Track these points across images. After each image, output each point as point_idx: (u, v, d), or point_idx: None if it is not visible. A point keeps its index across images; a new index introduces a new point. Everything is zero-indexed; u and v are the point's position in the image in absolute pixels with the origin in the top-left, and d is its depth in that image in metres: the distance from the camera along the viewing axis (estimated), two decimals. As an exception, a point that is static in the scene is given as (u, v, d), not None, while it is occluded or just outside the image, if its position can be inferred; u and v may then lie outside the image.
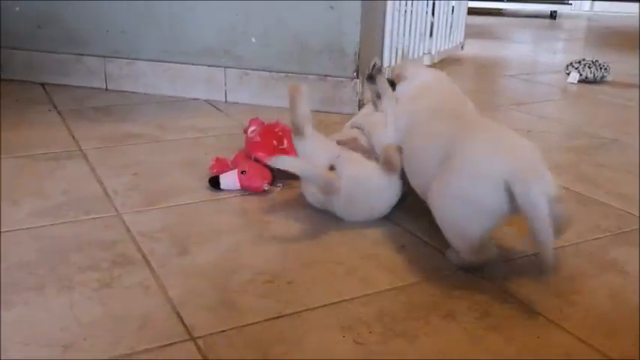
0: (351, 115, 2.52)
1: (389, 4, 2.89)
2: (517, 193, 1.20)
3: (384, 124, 1.60)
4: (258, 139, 1.83)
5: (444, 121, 1.44)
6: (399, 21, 3.04)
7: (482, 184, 1.26)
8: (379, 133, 1.60)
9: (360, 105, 2.52)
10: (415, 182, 1.49)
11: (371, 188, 1.54)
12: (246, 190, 1.72)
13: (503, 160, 1.26)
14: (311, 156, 1.59)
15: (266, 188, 1.72)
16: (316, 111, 2.56)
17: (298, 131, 1.60)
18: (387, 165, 1.52)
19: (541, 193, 1.19)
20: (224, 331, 1.11)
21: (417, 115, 1.52)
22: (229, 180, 1.73)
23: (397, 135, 1.56)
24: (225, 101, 2.71)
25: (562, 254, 1.43)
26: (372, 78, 1.68)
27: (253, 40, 2.62)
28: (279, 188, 1.75)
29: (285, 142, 1.81)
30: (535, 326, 1.16)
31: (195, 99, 2.74)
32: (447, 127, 1.41)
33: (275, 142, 1.81)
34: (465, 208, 1.28)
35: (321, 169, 1.54)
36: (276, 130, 1.85)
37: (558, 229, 1.30)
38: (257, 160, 1.77)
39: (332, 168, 1.55)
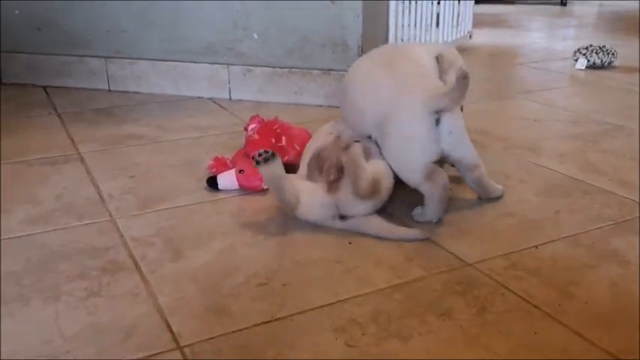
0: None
1: (392, -5, 2.86)
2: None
3: None
4: (256, 137, 1.81)
5: None
6: (403, 12, 3.01)
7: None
8: None
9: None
10: None
11: None
12: (244, 189, 1.70)
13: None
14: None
15: (264, 187, 1.69)
16: (321, 106, 2.54)
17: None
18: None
19: None
20: (212, 338, 1.09)
21: None
22: (227, 180, 1.71)
23: None
24: (230, 99, 2.69)
25: (562, 245, 1.40)
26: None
27: (255, 36, 2.60)
28: (277, 187, 1.72)
29: (284, 139, 1.79)
30: (532, 321, 1.13)
31: (199, 97, 2.71)
32: None
33: (273, 139, 1.79)
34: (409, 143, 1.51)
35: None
36: (275, 127, 1.82)
37: None
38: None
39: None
